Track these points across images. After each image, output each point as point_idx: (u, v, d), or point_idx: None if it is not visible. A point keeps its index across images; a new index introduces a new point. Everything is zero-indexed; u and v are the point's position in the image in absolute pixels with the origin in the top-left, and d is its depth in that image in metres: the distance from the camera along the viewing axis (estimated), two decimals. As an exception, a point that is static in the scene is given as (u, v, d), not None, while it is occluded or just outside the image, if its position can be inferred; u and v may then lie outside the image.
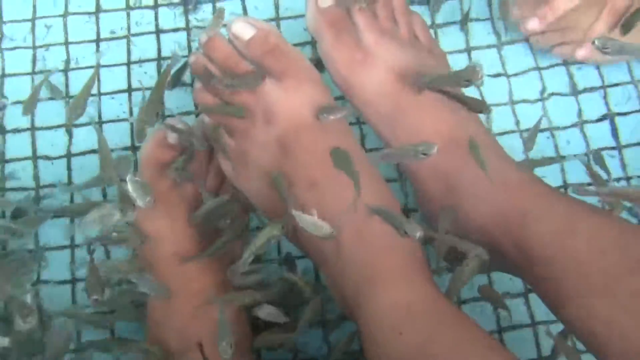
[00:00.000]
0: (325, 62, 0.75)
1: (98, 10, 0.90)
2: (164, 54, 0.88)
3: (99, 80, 0.86)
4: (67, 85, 0.86)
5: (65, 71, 0.87)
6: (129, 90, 0.86)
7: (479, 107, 0.73)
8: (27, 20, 0.89)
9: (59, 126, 0.85)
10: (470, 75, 0.66)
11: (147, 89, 0.82)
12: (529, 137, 0.81)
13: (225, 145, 0.72)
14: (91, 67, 0.87)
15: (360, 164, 0.67)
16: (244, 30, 0.71)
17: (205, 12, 0.90)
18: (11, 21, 0.89)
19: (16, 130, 0.84)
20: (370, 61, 0.72)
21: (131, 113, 0.85)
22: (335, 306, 0.69)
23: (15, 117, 0.84)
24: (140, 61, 0.88)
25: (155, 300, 0.71)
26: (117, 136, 0.83)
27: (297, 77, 0.71)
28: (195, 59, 0.73)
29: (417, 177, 0.73)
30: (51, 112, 0.85)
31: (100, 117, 0.85)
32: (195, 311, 0.69)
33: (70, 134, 0.84)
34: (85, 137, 0.84)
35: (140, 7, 0.90)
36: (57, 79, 0.86)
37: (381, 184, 0.69)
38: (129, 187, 0.65)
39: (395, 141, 0.72)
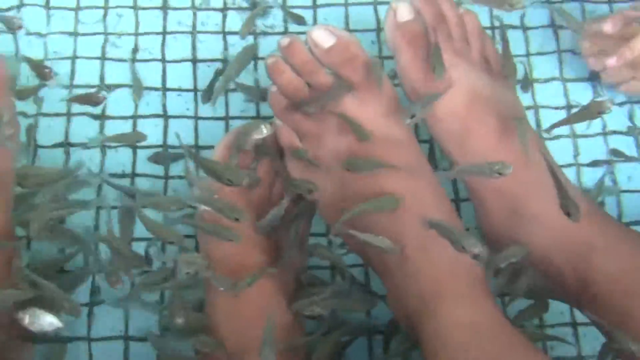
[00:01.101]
0: (401, 76, 0.75)
1: (165, 6, 0.90)
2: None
3: (164, 74, 0.87)
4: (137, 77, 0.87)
5: (133, 60, 0.87)
6: (195, 89, 0.87)
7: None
8: (100, 7, 0.90)
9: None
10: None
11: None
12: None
13: (300, 150, 0.72)
14: (158, 59, 0.87)
15: (425, 179, 0.69)
16: (324, 38, 0.72)
17: (275, 19, 0.90)
18: (87, 7, 0.90)
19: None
20: (445, 81, 0.72)
21: (196, 112, 0.85)
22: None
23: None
24: (206, 60, 0.88)
25: (218, 301, 0.70)
26: (182, 133, 0.82)
27: (374, 89, 0.71)
28: (274, 62, 0.73)
29: (481, 196, 0.73)
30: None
31: (165, 111, 0.85)
32: (256, 314, 0.69)
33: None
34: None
35: (207, 9, 0.90)
36: (125, 68, 0.87)
37: (444, 200, 0.70)
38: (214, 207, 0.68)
39: (463, 160, 0.72)
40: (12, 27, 0.80)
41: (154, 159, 0.83)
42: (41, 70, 0.80)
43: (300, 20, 0.87)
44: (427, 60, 0.73)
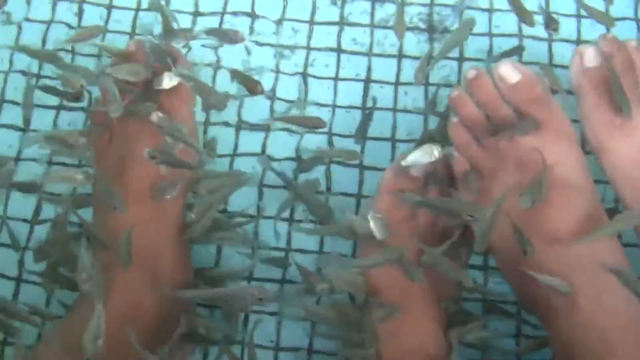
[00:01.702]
0: (583, 121, 0.74)
1: (342, 21, 0.90)
2: (402, 79, 0.87)
3: (335, 92, 0.87)
4: (305, 91, 0.87)
5: (304, 75, 0.88)
6: (363, 107, 0.86)
7: None
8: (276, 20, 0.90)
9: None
10: None
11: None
12: None
13: (473, 181, 0.71)
14: (330, 78, 0.87)
15: (599, 225, 0.67)
16: (510, 74, 0.71)
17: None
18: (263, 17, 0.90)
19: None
20: (628, 128, 0.71)
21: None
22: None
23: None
24: (377, 81, 0.87)
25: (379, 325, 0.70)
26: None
27: (556, 130, 0.71)
28: (458, 95, 0.73)
29: None
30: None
31: (330, 129, 0.85)
32: (414, 343, 0.70)
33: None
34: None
35: (384, 27, 0.89)
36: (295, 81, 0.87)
37: (618, 247, 0.68)
38: (371, 222, 0.69)
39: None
40: (235, 41, 0.80)
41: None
42: (251, 84, 0.79)
43: None
44: (611, 106, 0.72)
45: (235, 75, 0.80)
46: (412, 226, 0.73)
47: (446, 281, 0.72)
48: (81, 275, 0.65)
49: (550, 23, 0.79)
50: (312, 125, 0.81)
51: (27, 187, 0.77)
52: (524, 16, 0.81)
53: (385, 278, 0.71)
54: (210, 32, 0.80)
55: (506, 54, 0.85)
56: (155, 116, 0.72)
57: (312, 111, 0.86)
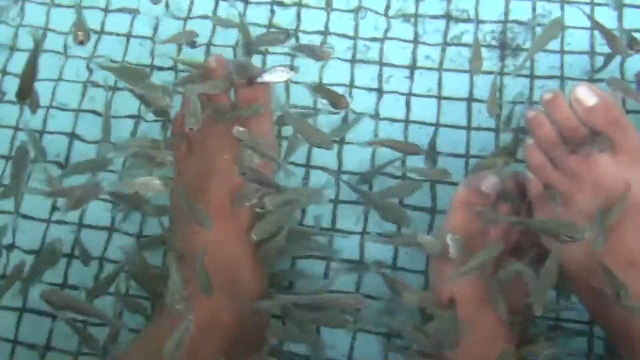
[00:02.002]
0: None
1: (416, 40, 0.91)
2: (475, 95, 0.88)
3: (408, 108, 0.88)
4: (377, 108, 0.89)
5: (380, 91, 0.89)
6: (437, 124, 0.87)
7: None
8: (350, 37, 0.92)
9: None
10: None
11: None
12: None
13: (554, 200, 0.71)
14: (403, 93, 0.89)
15: None
16: (587, 96, 0.71)
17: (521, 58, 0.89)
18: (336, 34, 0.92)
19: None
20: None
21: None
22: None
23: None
24: (449, 98, 0.89)
25: None
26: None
27: (633, 154, 0.71)
28: (535, 115, 0.73)
29: None
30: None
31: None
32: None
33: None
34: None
35: (456, 44, 0.91)
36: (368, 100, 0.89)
37: None
38: (450, 243, 0.71)
39: None
40: (322, 57, 0.82)
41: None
42: (336, 98, 0.80)
43: None
44: None
45: (319, 90, 0.81)
46: (484, 242, 0.73)
47: (518, 297, 0.72)
48: (172, 296, 0.68)
49: (634, 44, 0.79)
50: (409, 151, 0.82)
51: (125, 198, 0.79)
52: (615, 44, 0.81)
53: (460, 292, 0.72)
54: (298, 48, 0.82)
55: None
56: (236, 129, 0.74)
57: (384, 127, 0.87)
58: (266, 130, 0.80)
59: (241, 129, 0.75)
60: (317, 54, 0.81)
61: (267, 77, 0.78)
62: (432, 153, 0.84)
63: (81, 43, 0.79)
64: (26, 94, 0.76)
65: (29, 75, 0.76)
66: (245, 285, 0.74)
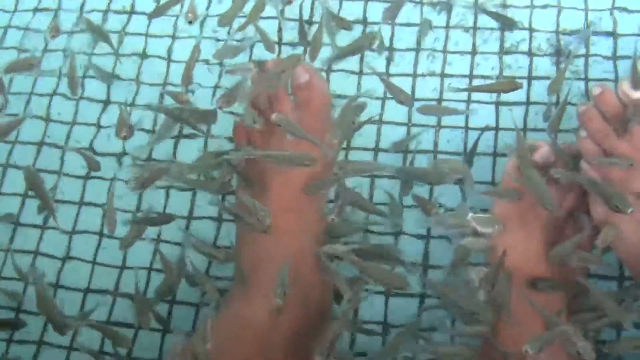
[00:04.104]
0: None
1: (474, 51, 0.97)
2: (532, 98, 0.93)
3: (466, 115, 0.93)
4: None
5: (439, 100, 0.94)
6: (498, 128, 0.92)
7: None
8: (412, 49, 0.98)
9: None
10: None
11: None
12: None
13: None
14: (461, 100, 0.94)
15: None
16: (631, 90, 0.75)
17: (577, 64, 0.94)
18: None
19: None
20: None
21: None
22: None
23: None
24: (507, 103, 0.93)
25: None
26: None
27: None
28: (585, 109, 0.77)
29: None
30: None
31: (465, 149, 0.91)
32: None
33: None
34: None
35: (514, 52, 0.96)
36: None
37: None
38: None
39: None
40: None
41: None
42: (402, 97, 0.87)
43: None
44: None
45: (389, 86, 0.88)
46: (536, 215, 0.77)
47: (572, 276, 0.76)
48: None
49: None
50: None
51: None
52: None
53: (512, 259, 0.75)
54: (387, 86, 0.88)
55: None
56: (275, 115, 0.78)
57: (445, 133, 0.92)
58: (322, 114, 0.85)
59: (279, 114, 0.78)
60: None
61: None
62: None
63: (124, 138, 0.88)
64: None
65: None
66: (309, 276, 0.78)
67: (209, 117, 0.88)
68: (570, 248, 0.74)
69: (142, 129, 0.96)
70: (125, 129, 0.87)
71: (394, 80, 0.92)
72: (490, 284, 0.73)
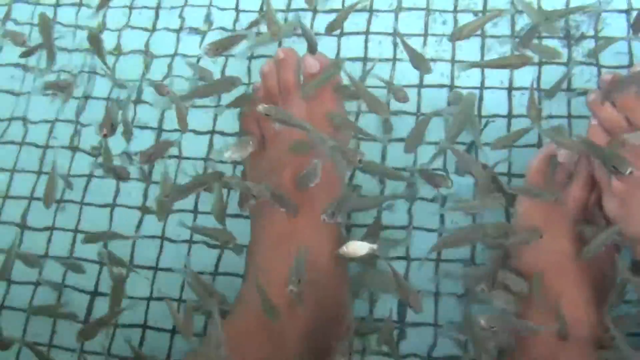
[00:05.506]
0: None
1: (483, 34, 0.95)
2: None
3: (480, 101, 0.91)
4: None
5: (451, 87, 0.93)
6: (509, 115, 0.90)
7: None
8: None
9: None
10: None
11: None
12: None
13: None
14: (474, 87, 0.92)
15: None
16: None
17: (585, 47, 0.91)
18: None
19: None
20: None
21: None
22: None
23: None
24: (519, 88, 0.91)
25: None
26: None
27: None
28: (595, 97, 0.76)
29: None
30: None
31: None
32: None
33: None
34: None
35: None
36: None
37: None
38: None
39: None
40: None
41: None
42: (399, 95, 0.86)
43: None
44: None
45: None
46: (560, 211, 0.76)
47: (602, 265, 0.76)
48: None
49: None
50: None
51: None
52: None
53: (542, 260, 0.75)
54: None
55: None
56: (261, 106, 0.76)
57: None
58: (332, 105, 0.84)
59: (266, 105, 0.76)
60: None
61: None
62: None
63: (105, 136, 0.87)
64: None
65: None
66: (324, 270, 0.77)
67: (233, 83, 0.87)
68: (603, 244, 0.73)
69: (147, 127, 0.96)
70: (107, 126, 0.86)
71: (400, 67, 0.91)
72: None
